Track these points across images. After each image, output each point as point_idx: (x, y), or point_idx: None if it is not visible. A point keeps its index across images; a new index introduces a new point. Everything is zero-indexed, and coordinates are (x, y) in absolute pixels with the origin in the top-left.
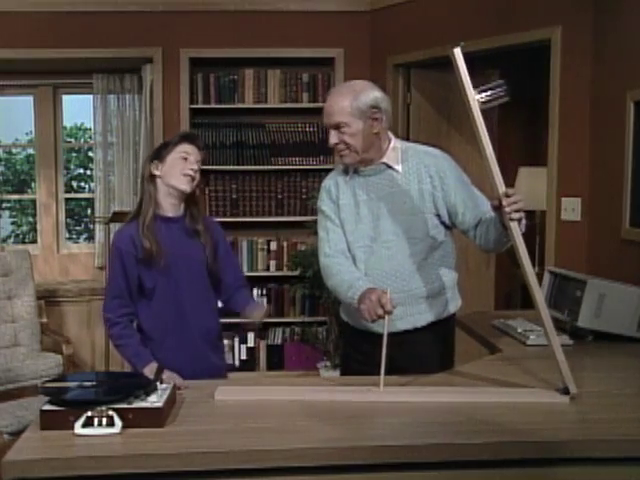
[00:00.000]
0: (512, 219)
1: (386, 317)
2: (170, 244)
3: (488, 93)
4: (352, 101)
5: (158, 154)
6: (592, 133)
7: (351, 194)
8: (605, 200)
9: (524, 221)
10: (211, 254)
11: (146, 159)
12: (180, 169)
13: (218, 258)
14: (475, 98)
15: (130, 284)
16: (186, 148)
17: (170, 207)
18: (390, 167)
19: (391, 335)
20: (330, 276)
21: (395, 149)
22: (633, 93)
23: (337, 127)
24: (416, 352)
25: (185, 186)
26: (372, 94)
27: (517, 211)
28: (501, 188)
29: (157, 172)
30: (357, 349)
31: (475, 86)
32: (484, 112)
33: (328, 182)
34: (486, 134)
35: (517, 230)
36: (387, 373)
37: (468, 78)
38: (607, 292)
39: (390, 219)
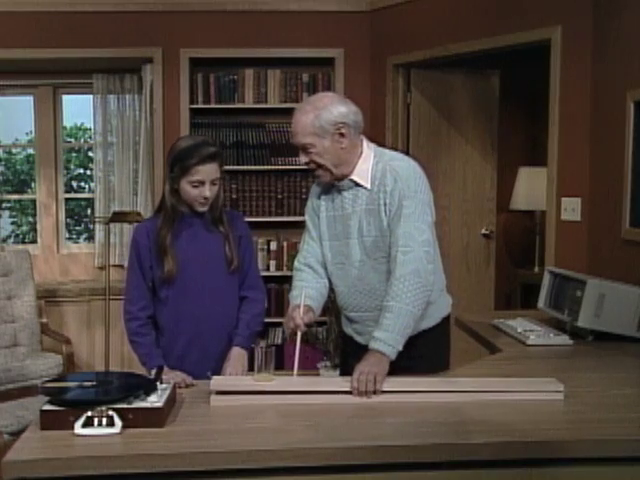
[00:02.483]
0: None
1: (298, 332)
2: (190, 239)
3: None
4: (314, 120)
5: (172, 170)
6: (592, 133)
7: (331, 207)
8: (605, 200)
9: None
10: (231, 247)
11: (166, 169)
12: (193, 197)
13: (240, 253)
14: (255, 378)
15: (145, 275)
16: (200, 173)
17: (190, 209)
18: (359, 184)
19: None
20: (292, 288)
21: (366, 162)
22: (633, 93)
23: (302, 148)
24: (408, 356)
25: (200, 209)
26: (336, 110)
27: (372, 385)
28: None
29: (175, 186)
30: (354, 357)
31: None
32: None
33: (314, 192)
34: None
35: (389, 387)
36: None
37: (239, 380)
38: (607, 292)
39: (357, 239)
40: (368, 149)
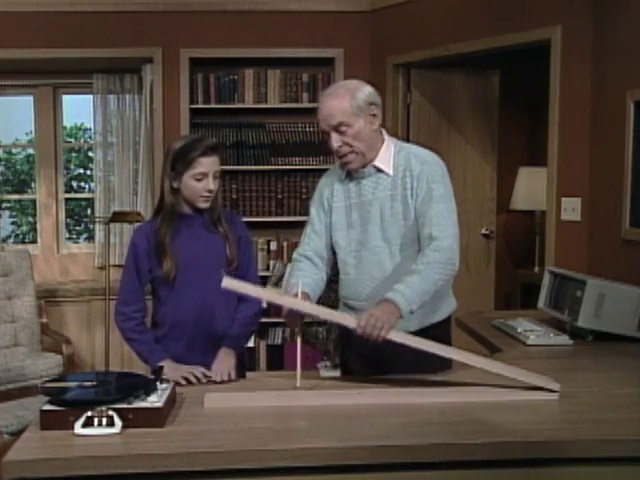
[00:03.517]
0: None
1: (298, 324)
2: (190, 240)
3: (273, 282)
4: (351, 100)
5: (174, 166)
6: (592, 133)
7: (345, 197)
8: (605, 200)
9: (382, 332)
10: (232, 248)
11: (165, 169)
12: (197, 191)
13: (240, 253)
14: (267, 290)
15: (141, 278)
16: (203, 165)
17: (190, 209)
18: (380, 170)
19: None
20: (290, 277)
21: (388, 149)
22: (633, 93)
23: (337, 129)
24: (408, 356)
25: (203, 205)
26: (367, 90)
27: (378, 331)
28: (351, 326)
29: (175, 185)
30: (358, 352)
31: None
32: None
33: (323, 184)
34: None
35: (393, 337)
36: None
37: (251, 287)
38: (607, 292)
39: (378, 225)
40: (388, 138)
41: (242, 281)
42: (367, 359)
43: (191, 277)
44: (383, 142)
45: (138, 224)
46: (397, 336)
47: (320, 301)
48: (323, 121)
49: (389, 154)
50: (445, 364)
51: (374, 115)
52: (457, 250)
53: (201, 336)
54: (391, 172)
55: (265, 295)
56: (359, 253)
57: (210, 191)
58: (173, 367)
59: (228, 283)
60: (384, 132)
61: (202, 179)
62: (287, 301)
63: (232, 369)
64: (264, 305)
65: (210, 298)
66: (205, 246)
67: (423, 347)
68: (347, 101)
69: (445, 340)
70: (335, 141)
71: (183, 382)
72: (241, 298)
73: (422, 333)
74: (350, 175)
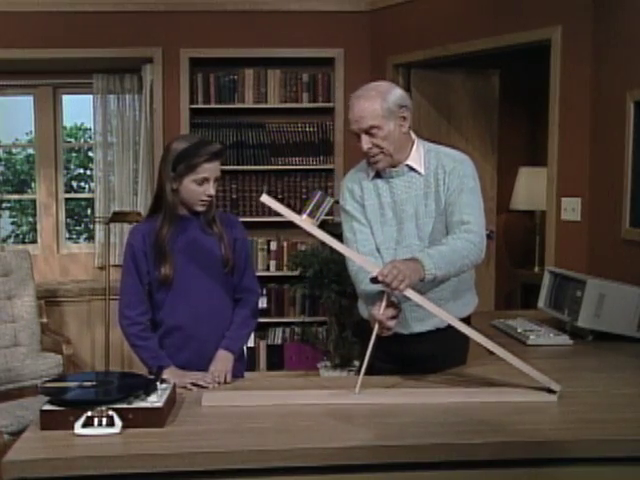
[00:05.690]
0: (394, 290)
1: (375, 325)
2: (186, 241)
3: (310, 210)
4: (382, 103)
5: (175, 167)
6: (592, 133)
7: (375, 195)
8: (605, 200)
9: (407, 281)
10: (226, 248)
11: (164, 169)
12: (196, 195)
13: (235, 255)
14: (302, 219)
15: (142, 279)
16: (206, 170)
17: (186, 211)
18: (413, 169)
19: (410, 336)
20: (361, 283)
21: (418, 150)
22: (633, 93)
23: (368, 131)
24: (433, 352)
25: (200, 209)
26: (398, 92)
27: (398, 282)
28: (373, 273)
29: (174, 187)
30: (379, 347)
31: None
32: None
33: (350, 183)
34: (336, 243)
35: (411, 294)
36: (402, 372)
37: (286, 210)
38: (607, 292)
39: (413, 223)
40: (417, 139)
41: (240, 282)
42: (390, 355)
43: (189, 279)
44: (413, 143)
45: (134, 224)
46: (413, 295)
47: (320, 301)
48: (355, 123)
49: (420, 154)
50: (461, 363)
51: (404, 117)
52: (485, 241)
53: (199, 339)
54: (423, 171)
55: (300, 222)
56: (394, 251)
57: (210, 196)
58: (180, 374)
59: (266, 199)
60: (413, 133)
61: (203, 184)
62: (318, 232)
63: (229, 371)
64: (264, 305)
65: (207, 300)
66: (202, 248)
67: (437, 312)
68: (378, 104)
69: (465, 338)
70: (365, 143)
71: (193, 388)
72: (238, 299)
73: (447, 330)
74: (379, 174)
